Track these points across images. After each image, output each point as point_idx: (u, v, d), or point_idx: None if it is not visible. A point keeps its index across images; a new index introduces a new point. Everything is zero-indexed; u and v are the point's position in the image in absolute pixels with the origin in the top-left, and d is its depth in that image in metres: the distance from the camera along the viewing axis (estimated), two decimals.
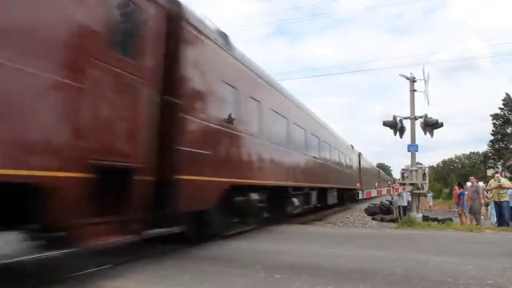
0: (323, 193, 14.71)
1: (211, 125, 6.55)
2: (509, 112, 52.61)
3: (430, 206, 33.36)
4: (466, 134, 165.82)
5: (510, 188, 12.60)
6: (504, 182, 12.86)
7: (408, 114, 14.32)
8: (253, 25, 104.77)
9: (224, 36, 7.39)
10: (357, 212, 18.59)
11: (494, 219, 14.07)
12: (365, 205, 22.07)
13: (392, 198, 19.23)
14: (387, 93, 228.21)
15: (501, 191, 12.70)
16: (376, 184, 35.72)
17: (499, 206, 12.86)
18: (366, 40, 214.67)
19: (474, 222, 13.94)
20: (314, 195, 12.92)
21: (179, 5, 5.88)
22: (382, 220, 15.54)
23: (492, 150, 53.90)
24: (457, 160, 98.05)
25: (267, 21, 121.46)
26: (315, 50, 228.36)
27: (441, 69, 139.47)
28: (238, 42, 8.00)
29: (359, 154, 28.08)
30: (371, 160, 46.11)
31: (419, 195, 14.65)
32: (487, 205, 15.17)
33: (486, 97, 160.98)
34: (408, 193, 15.27)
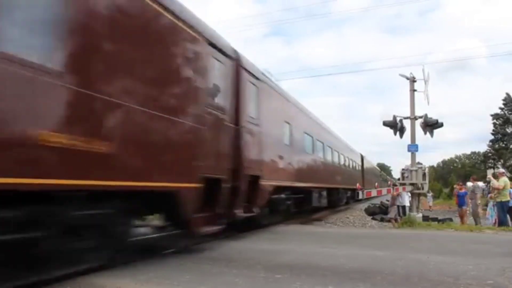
0: (334, 192, 17.32)
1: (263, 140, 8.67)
2: (509, 112, 52.61)
3: (430, 206, 33.35)
4: (465, 134, 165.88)
5: (497, 189, 12.55)
6: (494, 183, 12.82)
7: (407, 114, 14.31)
8: (251, 26, 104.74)
9: (267, 74, 9.51)
10: (357, 212, 18.57)
11: (491, 219, 14.06)
12: (365, 205, 22.05)
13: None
14: (386, 93, 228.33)
15: (495, 192, 12.73)
16: (377, 184, 35.88)
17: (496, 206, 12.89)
18: (363, 40, 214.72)
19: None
20: (326, 194, 15.17)
21: (238, 55, 7.59)
22: (382, 220, 15.51)
23: (492, 150, 53.89)
24: (457, 160, 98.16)
25: (264, 22, 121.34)
26: (313, 50, 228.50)
27: (439, 69, 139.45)
28: (237, 43, 8.37)
29: (362, 157, 28.70)
30: (371, 160, 46.52)
31: (419, 195, 14.64)
32: None
33: (484, 97, 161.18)
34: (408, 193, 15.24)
